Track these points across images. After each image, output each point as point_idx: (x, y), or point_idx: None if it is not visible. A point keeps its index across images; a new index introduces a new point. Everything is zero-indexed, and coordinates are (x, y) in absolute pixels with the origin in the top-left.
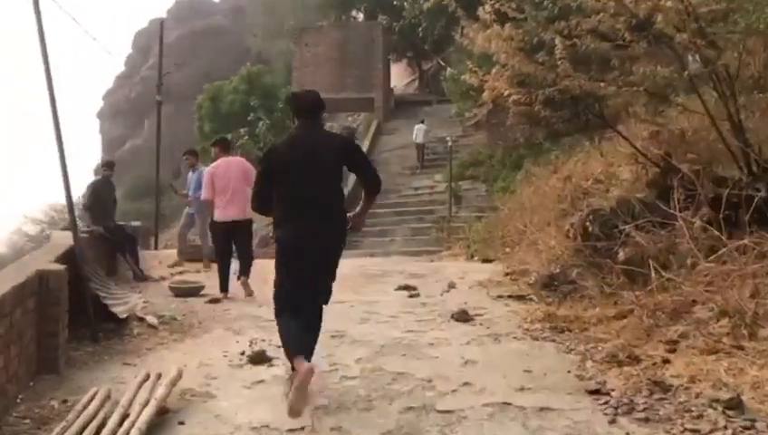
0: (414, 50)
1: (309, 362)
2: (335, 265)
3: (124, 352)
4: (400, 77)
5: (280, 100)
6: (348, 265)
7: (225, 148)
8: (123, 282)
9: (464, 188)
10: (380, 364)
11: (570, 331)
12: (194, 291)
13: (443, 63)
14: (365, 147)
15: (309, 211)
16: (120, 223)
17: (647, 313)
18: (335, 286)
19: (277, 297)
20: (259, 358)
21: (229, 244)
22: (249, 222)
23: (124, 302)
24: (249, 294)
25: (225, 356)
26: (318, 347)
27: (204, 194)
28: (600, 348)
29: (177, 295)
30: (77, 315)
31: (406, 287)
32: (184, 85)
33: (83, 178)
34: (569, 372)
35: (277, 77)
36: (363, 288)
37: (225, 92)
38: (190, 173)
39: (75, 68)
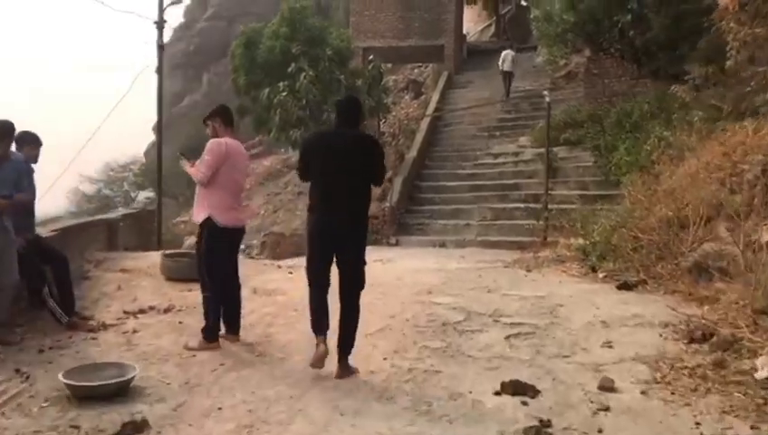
0: None
1: (347, 356)
2: (362, 250)
3: None
4: (473, 23)
5: (329, 46)
6: (394, 273)
7: (228, 121)
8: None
9: (559, 157)
10: None
11: None
12: (103, 392)
13: (526, 2)
14: (433, 103)
15: (338, 202)
16: (43, 233)
17: None
18: None
19: (309, 269)
20: None
21: (232, 264)
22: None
23: None
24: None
25: None
26: None
27: (202, 169)
28: None
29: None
30: None
31: (513, 388)
32: None
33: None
34: None
35: (333, 23)
36: (421, 374)
37: (264, 37)
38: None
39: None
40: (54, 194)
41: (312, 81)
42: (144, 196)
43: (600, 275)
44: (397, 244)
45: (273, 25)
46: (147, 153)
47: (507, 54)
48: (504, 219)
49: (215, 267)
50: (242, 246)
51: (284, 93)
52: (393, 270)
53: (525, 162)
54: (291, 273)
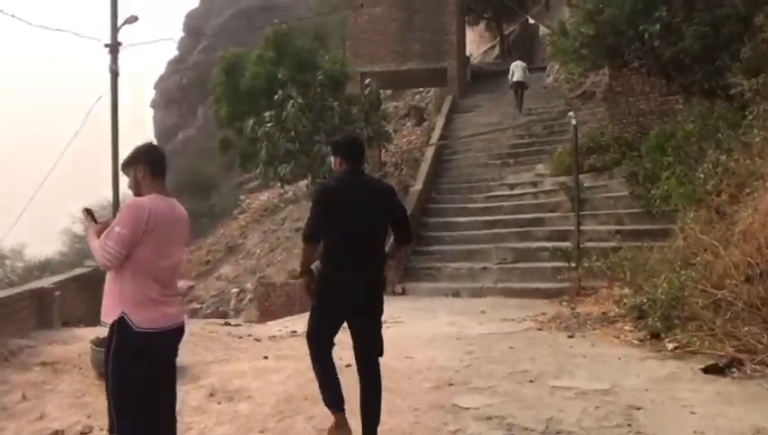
0: (492, 9)
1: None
2: (381, 315)
3: None
4: (476, 44)
5: (321, 70)
6: (401, 344)
7: (157, 169)
8: None
9: (585, 187)
10: None
11: None
12: None
13: (532, 21)
14: (437, 130)
15: (358, 265)
16: None
17: None
18: None
19: (315, 340)
20: None
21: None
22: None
23: None
24: None
25: None
26: None
27: (109, 246)
28: None
29: None
30: None
31: None
32: None
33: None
34: None
35: (329, 50)
36: None
37: (248, 63)
38: None
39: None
40: (48, 234)
41: (300, 109)
42: None
43: (670, 347)
44: (403, 292)
45: (258, 50)
46: None
47: (517, 65)
48: (527, 261)
49: (126, 403)
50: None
51: (270, 124)
52: (400, 339)
53: (546, 193)
54: (266, 357)
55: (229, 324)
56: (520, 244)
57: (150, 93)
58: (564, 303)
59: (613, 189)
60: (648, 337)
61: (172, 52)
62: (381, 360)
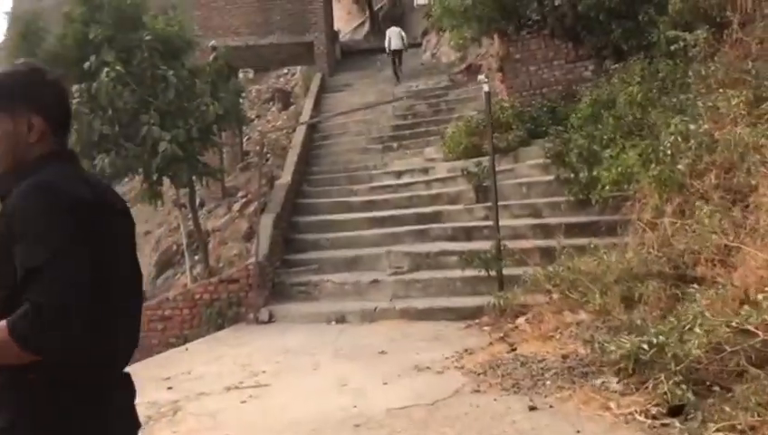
0: None
1: None
2: None
3: None
4: (344, 21)
5: (147, 30)
6: None
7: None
8: None
9: (487, 171)
10: None
11: None
12: None
13: None
14: (306, 111)
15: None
16: None
17: None
18: None
19: None
20: None
21: None
22: None
23: None
24: None
25: None
26: None
27: None
28: None
29: None
30: None
31: None
32: None
33: None
34: None
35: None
36: None
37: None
38: None
39: None
40: None
41: (119, 78)
42: None
43: None
44: (271, 319)
45: (65, 7)
46: None
47: (393, 31)
48: (429, 269)
49: None
50: None
51: (78, 99)
52: (263, 431)
53: (441, 181)
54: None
55: None
56: (417, 246)
57: None
58: (492, 333)
59: (522, 174)
60: (664, 413)
61: None
62: None
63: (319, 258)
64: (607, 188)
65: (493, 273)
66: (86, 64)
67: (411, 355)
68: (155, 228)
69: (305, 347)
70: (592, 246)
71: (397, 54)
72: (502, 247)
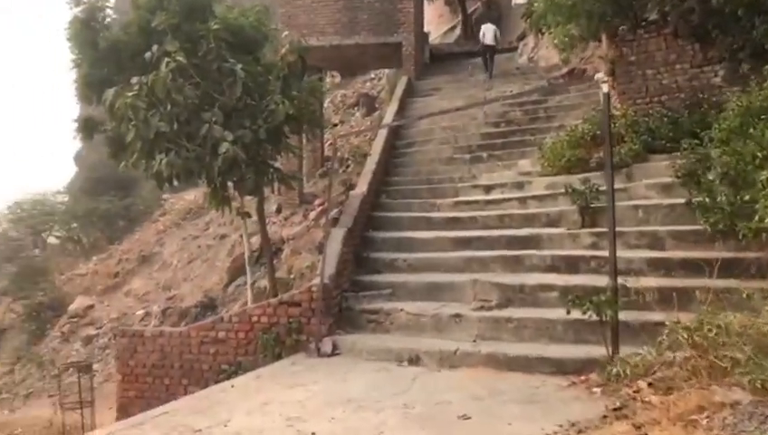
0: None
1: None
2: None
3: None
4: (435, 24)
5: (217, 19)
6: None
7: None
8: None
9: (596, 189)
10: None
11: None
12: None
13: None
14: (389, 115)
15: None
16: None
17: None
18: None
19: None
20: None
21: None
22: None
23: None
24: None
25: None
26: None
27: None
28: None
29: None
30: None
31: None
32: None
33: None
34: None
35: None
36: None
37: (115, 11)
38: None
39: None
40: None
41: (179, 70)
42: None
43: None
44: (334, 353)
45: None
46: (70, 186)
47: (488, 27)
48: (524, 305)
49: None
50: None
51: (132, 94)
52: None
53: (539, 199)
54: None
55: None
56: (508, 276)
57: None
58: (605, 399)
59: (638, 195)
60: None
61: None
62: None
63: (393, 282)
64: (766, 220)
65: (606, 317)
66: (147, 54)
67: (501, 427)
68: (231, 232)
69: (370, 397)
70: (745, 294)
71: (489, 49)
72: (619, 287)
